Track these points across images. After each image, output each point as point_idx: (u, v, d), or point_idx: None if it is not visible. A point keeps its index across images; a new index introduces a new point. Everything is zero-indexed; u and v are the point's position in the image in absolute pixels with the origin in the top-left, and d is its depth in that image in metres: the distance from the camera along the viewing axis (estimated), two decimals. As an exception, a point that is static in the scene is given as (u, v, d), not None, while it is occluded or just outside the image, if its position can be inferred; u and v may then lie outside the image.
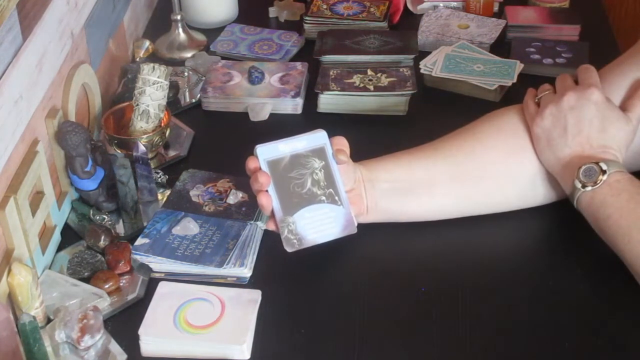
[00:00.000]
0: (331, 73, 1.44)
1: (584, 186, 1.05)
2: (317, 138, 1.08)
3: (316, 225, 1.07)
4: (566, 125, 1.09)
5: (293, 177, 1.07)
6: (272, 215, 1.06)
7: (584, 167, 1.05)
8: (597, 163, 1.05)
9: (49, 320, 1.02)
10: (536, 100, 1.13)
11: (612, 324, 1.02)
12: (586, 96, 1.08)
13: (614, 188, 1.03)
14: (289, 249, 1.06)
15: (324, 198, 1.07)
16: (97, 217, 1.20)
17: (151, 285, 1.08)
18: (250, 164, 1.06)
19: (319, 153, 1.08)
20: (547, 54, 1.51)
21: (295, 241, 1.06)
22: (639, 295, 1.02)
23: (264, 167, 1.05)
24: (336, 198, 1.08)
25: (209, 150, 1.35)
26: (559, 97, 1.10)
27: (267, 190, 1.05)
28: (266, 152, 1.06)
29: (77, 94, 1.26)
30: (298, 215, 1.06)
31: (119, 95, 1.43)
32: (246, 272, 1.09)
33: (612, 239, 1.03)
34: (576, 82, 1.13)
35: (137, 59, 1.57)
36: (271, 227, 1.07)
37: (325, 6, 1.66)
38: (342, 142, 1.09)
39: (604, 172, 1.04)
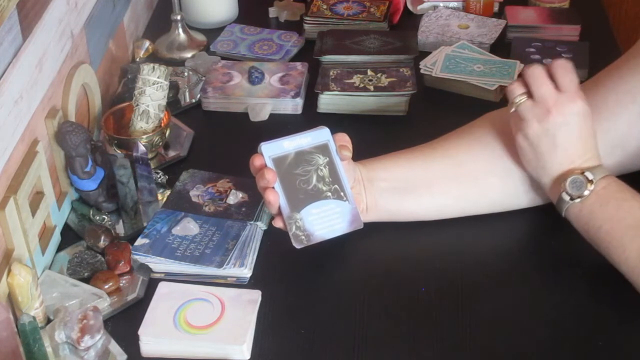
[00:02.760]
0: (331, 73, 1.44)
1: (572, 198, 1.04)
2: (321, 134, 1.09)
3: (323, 221, 1.07)
4: (555, 142, 1.05)
5: (298, 174, 1.07)
6: (279, 212, 1.06)
7: (570, 179, 1.04)
8: (582, 173, 1.04)
9: (49, 321, 1.02)
10: (512, 110, 1.07)
11: (612, 323, 1.02)
12: (574, 110, 1.04)
13: (601, 196, 1.03)
14: (297, 246, 1.06)
15: (329, 194, 1.07)
16: (97, 218, 1.20)
17: (151, 285, 1.08)
18: (256, 161, 1.06)
19: (323, 149, 1.08)
20: (547, 54, 1.51)
21: (303, 237, 1.06)
22: (638, 294, 1.02)
23: (270, 164, 1.06)
24: (342, 194, 1.08)
25: (209, 151, 1.35)
26: (544, 114, 1.04)
27: (273, 187, 1.05)
28: (271, 150, 1.06)
29: (77, 94, 1.25)
30: (305, 211, 1.06)
31: (119, 95, 1.43)
32: (246, 272, 1.09)
33: (606, 250, 1.03)
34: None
35: (137, 59, 1.57)
36: (278, 224, 1.07)
37: (325, 6, 1.66)
38: (345, 139, 1.09)
39: (591, 182, 1.03)
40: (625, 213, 1.01)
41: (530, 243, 1.14)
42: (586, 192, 1.03)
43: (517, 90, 1.06)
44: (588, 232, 1.05)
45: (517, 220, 1.15)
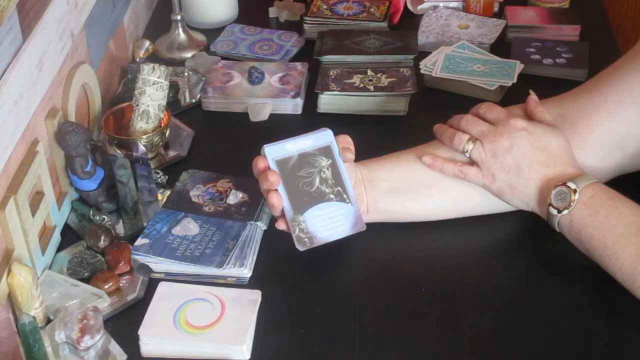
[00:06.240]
0: (331, 73, 1.44)
1: (559, 211, 1.04)
2: (323, 136, 1.09)
3: (326, 224, 1.07)
4: (515, 164, 1.08)
5: (302, 176, 1.07)
6: (282, 214, 1.06)
7: (554, 192, 1.04)
8: (564, 184, 1.04)
9: (49, 321, 1.02)
10: (467, 155, 1.10)
11: (611, 323, 1.02)
12: (513, 130, 1.08)
13: (589, 206, 1.03)
14: (300, 248, 1.06)
15: (332, 196, 1.08)
16: (97, 218, 1.20)
17: (151, 285, 1.08)
18: (260, 163, 1.06)
19: (326, 151, 1.08)
20: (547, 54, 1.51)
21: (306, 240, 1.06)
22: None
23: (273, 167, 1.06)
24: (344, 196, 1.08)
25: (209, 151, 1.35)
26: (492, 146, 1.08)
27: (276, 190, 1.05)
28: (274, 152, 1.06)
29: (77, 94, 1.26)
30: (308, 213, 1.06)
31: (119, 95, 1.43)
32: (246, 272, 1.09)
33: (600, 259, 1.03)
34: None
35: (137, 59, 1.57)
36: (282, 226, 1.07)
37: (325, 6, 1.66)
38: (348, 140, 1.09)
39: (574, 191, 1.03)
40: (615, 220, 1.01)
41: (529, 243, 1.14)
42: (572, 202, 1.03)
43: (463, 139, 1.10)
44: (581, 242, 1.04)
45: (517, 220, 1.15)
